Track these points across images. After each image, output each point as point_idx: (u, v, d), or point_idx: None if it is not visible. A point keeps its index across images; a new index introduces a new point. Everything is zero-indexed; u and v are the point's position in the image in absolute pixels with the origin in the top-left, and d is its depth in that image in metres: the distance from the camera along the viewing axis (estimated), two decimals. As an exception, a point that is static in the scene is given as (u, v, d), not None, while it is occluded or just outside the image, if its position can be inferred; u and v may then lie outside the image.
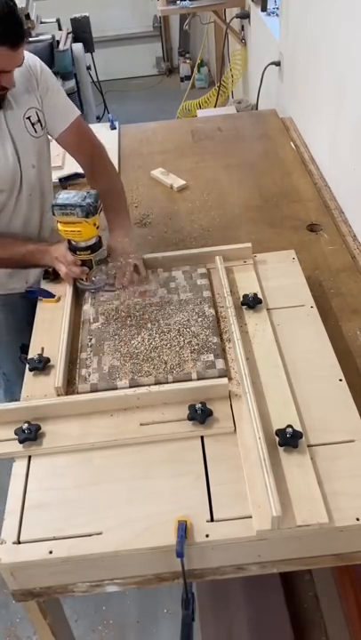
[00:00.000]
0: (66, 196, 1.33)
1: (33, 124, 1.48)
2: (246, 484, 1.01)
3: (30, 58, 1.47)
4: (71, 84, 3.35)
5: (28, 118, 1.46)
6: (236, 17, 3.68)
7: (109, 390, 1.19)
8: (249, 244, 1.51)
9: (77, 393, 1.20)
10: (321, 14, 2.00)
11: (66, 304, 1.40)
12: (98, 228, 1.37)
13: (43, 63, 1.51)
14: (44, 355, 1.29)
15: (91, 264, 1.42)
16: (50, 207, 1.39)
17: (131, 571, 1.01)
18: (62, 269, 1.43)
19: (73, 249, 1.40)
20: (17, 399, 1.24)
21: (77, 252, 1.39)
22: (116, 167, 2.18)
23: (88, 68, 3.79)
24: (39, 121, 1.49)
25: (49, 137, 1.57)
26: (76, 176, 2.11)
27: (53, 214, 1.35)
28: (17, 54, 1.30)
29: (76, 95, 3.35)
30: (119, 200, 1.61)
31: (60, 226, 1.36)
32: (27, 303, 1.54)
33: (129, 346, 1.29)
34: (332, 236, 1.77)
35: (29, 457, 1.11)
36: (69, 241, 1.39)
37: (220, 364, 1.22)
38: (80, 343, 1.32)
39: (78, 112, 1.55)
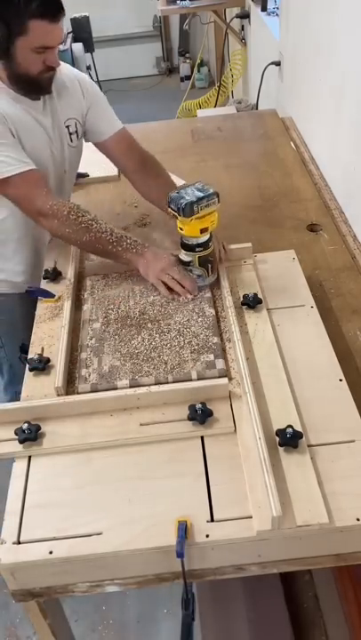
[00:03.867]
0: (187, 192, 1.30)
1: (70, 134, 1.52)
2: (246, 485, 1.01)
3: (78, 72, 1.56)
4: (71, 83, 3.35)
5: (67, 127, 1.50)
6: (236, 17, 3.69)
7: (109, 390, 1.19)
8: (249, 244, 1.51)
9: (77, 393, 1.20)
10: (321, 14, 2.00)
11: (66, 304, 1.40)
12: None
13: (90, 79, 1.60)
14: (44, 355, 1.29)
15: (211, 256, 1.39)
16: None
17: (131, 571, 1.01)
18: (170, 289, 1.38)
19: (197, 246, 1.36)
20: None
21: (203, 249, 1.36)
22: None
23: (88, 67, 3.79)
24: (76, 132, 1.55)
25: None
26: (77, 176, 2.10)
27: (191, 213, 1.28)
28: (56, 28, 1.30)
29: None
30: None
31: (196, 224, 1.31)
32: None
33: (129, 346, 1.29)
34: (333, 235, 1.77)
35: (29, 457, 1.11)
36: (192, 243, 1.36)
37: (220, 364, 1.22)
38: (80, 343, 1.32)
39: (120, 126, 1.64)
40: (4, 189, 1.42)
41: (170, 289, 1.38)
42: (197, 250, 1.36)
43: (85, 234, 1.40)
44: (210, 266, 1.40)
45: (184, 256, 1.39)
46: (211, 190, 1.30)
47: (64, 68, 1.52)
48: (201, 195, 1.29)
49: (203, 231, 1.34)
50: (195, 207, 1.28)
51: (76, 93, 1.53)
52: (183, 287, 1.38)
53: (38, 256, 1.66)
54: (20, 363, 1.45)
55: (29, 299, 1.55)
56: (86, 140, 1.66)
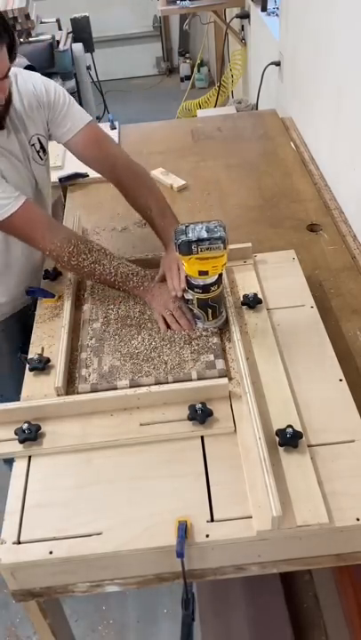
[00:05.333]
0: (194, 229, 1.20)
1: (37, 152, 1.46)
2: (246, 484, 1.01)
3: (32, 81, 1.42)
4: (71, 83, 3.35)
5: (33, 145, 1.44)
6: (236, 17, 3.68)
7: (109, 390, 1.19)
8: (249, 244, 1.51)
9: (77, 393, 1.20)
10: (321, 14, 2.00)
11: (66, 304, 1.40)
12: None
13: (46, 80, 1.45)
14: (44, 355, 1.29)
15: (212, 301, 1.29)
16: None
17: (131, 571, 1.01)
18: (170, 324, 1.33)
19: (196, 287, 1.28)
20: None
21: (202, 291, 1.27)
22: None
23: (88, 67, 3.79)
24: (42, 147, 1.47)
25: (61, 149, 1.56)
26: (75, 176, 2.11)
27: (188, 252, 1.19)
28: None
29: (76, 95, 3.36)
30: (164, 207, 1.51)
31: (195, 264, 1.22)
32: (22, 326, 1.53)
33: (129, 346, 1.29)
34: (332, 235, 1.77)
35: (29, 457, 1.11)
36: (192, 283, 1.28)
37: (220, 364, 1.22)
38: (80, 343, 1.32)
39: (89, 119, 1.48)
40: (7, 230, 1.37)
41: (168, 325, 1.34)
42: (195, 291, 1.28)
43: (90, 277, 1.41)
44: (210, 311, 1.30)
45: (186, 293, 1.33)
46: (218, 234, 1.18)
47: (21, 83, 1.41)
48: (205, 236, 1.18)
49: (202, 274, 1.23)
50: (193, 247, 1.18)
51: (34, 110, 1.42)
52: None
53: (22, 284, 1.58)
54: (11, 393, 1.39)
55: (15, 329, 1.54)
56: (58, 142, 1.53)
